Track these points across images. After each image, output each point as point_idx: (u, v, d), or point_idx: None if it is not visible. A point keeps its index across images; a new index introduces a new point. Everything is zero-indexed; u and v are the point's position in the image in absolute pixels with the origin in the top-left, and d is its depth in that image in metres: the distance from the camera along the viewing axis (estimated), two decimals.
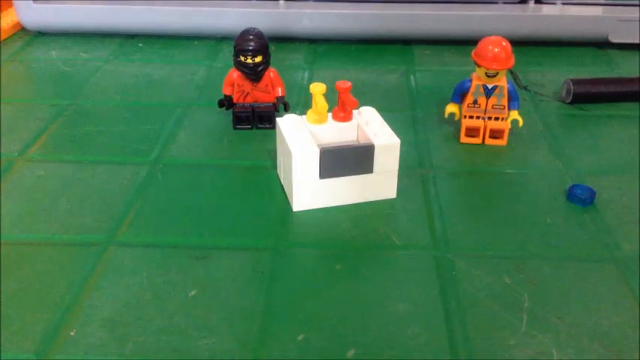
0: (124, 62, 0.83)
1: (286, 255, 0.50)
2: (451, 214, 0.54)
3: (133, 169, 0.60)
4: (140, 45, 0.89)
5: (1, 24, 0.91)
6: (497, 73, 0.61)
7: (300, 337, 0.43)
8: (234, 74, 0.65)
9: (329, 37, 0.90)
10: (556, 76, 0.80)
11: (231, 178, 0.59)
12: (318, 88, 0.55)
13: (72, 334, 0.43)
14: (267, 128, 0.67)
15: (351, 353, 0.41)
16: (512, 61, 0.61)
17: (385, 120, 0.57)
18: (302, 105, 0.72)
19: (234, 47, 0.64)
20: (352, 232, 0.52)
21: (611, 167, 0.61)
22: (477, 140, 0.65)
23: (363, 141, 0.56)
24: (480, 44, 0.62)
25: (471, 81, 0.63)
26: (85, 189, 0.57)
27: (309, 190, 0.54)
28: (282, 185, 0.58)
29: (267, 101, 0.66)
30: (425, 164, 0.62)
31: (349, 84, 0.55)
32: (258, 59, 0.63)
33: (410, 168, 0.61)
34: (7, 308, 0.45)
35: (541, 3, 0.89)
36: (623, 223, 0.54)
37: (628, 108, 0.73)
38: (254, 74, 0.64)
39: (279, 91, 0.66)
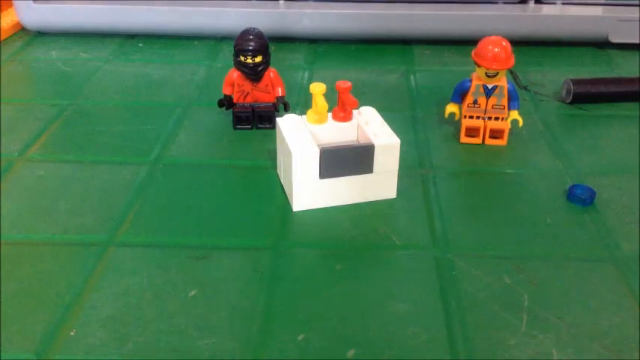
0: (124, 62, 0.83)
1: (286, 255, 0.50)
2: (451, 214, 0.54)
3: (133, 169, 0.60)
4: (140, 45, 0.89)
5: (1, 24, 0.91)
6: (497, 73, 0.61)
7: (300, 337, 0.43)
8: (234, 74, 0.65)
9: (329, 37, 0.90)
10: (556, 76, 0.80)
11: (231, 178, 0.59)
12: (318, 88, 0.55)
13: (72, 334, 0.43)
14: (267, 128, 0.67)
15: (351, 353, 0.41)
16: (512, 61, 0.61)
17: (385, 120, 0.57)
18: (302, 105, 0.72)
19: (234, 47, 0.64)
20: (352, 232, 0.52)
21: (611, 167, 0.61)
22: (477, 140, 0.65)
23: (363, 141, 0.56)
24: (480, 44, 0.62)
25: (470, 81, 0.63)
26: (85, 189, 0.57)
27: (309, 190, 0.54)
28: (282, 185, 0.58)
29: (267, 101, 0.66)
30: (425, 164, 0.62)
31: (349, 84, 0.55)
32: (258, 59, 0.63)
33: (410, 168, 0.61)
34: (7, 308, 0.45)
35: (541, 3, 0.89)
36: (623, 223, 0.54)
37: (628, 108, 0.73)
38: (254, 74, 0.64)
39: (279, 91, 0.66)
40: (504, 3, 0.89)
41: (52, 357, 0.41)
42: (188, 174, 0.60)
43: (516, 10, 0.88)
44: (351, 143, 0.57)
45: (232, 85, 0.66)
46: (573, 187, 0.56)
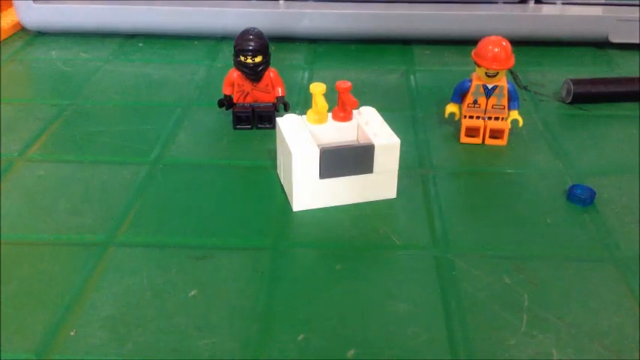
0: (124, 62, 0.83)
1: (286, 255, 0.50)
2: (451, 214, 0.54)
3: (133, 169, 0.60)
4: (140, 45, 0.89)
5: (1, 24, 0.91)
6: (497, 73, 0.61)
7: (300, 337, 0.43)
8: (234, 74, 0.65)
9: (329, 37, 0.90)
10: (556, 76, 0.80)
11: (231, 178, 0.59)
12: (318, 88, 0.55)
13: (72, 334, 0.43)
14: (267, 128, 0.67)
15: (351, 353, 0.41)
16: (512, 61, 0.61)
17: (385, 120, 0.57)
18: (302, 105, 0.72)
19: (234, 47, 0.64)
20: (352, 232, 0.52)
21: (611, 167, 0.61)
22: (477, 140, 0.65)
23: (363, 141, 0.56)
24: (480, 44, 0.62)
25: (470, 81, 0.63)
26: (85, 189, 0.57)
27: (309, 190, 0.54)
28: (282, 185, 0.58)
29: (267, 101, 0.66)
30: (425, 164, 0.62)
31: (349, 84, 0.55)
32: (258, 59, 0.63)
33: (410, 168, 0.61)
34: (7, 308, 0.45)
35: (541, 3, 0.89)
36: (623, 223, 0.54)
37: (628, 108, 0.73)
38: (254, 74, 0.64)
39: (279, 91, 0.66)
40: (504, 3, 0.89)
41: (52, 357, 0.41)
42: (188, 174, 0.60)
43: (516, 10, 0.88)
44: (351, 143, 0.57)
45: (232, 85, 0.66)
46: (573, 187, 0.56)
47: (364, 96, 0.73)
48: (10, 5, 0.95)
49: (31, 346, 0.42)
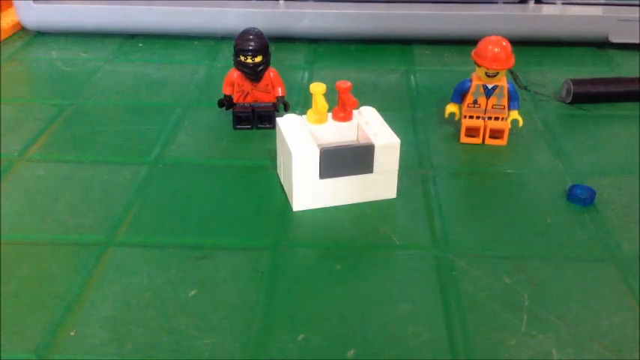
0: (124, 62, 0.83)
1: (286, 255, 0.50)
2: (451, 214, 0.54)
3: (133, 169, 0.60)
4: (140, 45, 0.89)
5: (1, 24, 0.91)
6: (498, 73, 0.61)
7: (300, 337, 0.43)
8: (234, 74, 0.65)
9: (329, 37, 0.90)
10: (556, 76, 0.80)
11: (231, 178, 0.59)
12: (318, 88, 0.55)
13: (72, 334, 0.43)
14: (267, 128, 0.67)
15: (351, 353, 0.41)
16: (512, 61, 0.61)
17: (385, 120, 0.57)
18: (302, 105, 0.72)
19: (234, 47, 0.64)
20: (352, 232, 0.52)
21: (611, 167, 0.61)
22: (477, 140, 0.65)
23: (363, 141, 0.56)
24: (480, 44, 0.62)
25: (470, 81, 0.63)
26: (85, 189, 0.57)
27: (309, 190, 0.54)
28: (282, 185, 0.58)
29: (267, 101, 0.66)
30: (425, 164, 0.62)
31: (349, 84, 0.55)
32: (258, 59, 0.63)
33: (410, 168, 0.61)
34: (7, 308, 0.45)
35: (541, 3, 0.89)
36: (623, 223, 0.54)
37: (628, 108, 0.73)
38: (254, 74, 0.64)
39: (279, 91, 0.66)
40: (504, 3, 0.89)
41: (52, 357, 0.41)
42: (188, 174, 0.60)
43: (516, 10, 0.88)
44: (351, 143, 0.57)
45: (232, 85, 0.66)
46: (573, 187, 0.56)
47: (364, 96, 0.73)
48: (10, 5, 0.95)
49: (31, 346, 0.42)
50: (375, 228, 0.53)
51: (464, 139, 0.65)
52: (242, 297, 0.46)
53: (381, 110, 0.59)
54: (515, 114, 0.64)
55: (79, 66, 0.82)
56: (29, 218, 0.54)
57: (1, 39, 0.90)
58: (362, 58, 0.85)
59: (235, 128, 0.67)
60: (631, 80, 0.74)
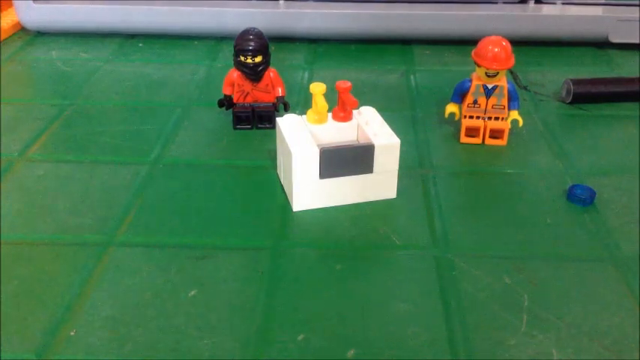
0: (124, 62, 0.83)
1: (286, 255, 0.50)
2: (451, 214, 0.54)
3: (133, 169, 0.60)
4: (140, 45, 0.89)
5: (1, 24, 0.91)
6: (498, 73, 0.61)
7: (300, 337, 0.43)
8: (234, 74, 0.65)
9: (329, 37, 0.90)
10: (556, 76, 0.80)
11: (231, 178, 0.59)
12: (318, 88, 0.55)
13: (72, 334, 0.43)
14: (267, 128, 0.67)
15: (351, 353, 0.41)
16: (512, 61, 0.61)
17: (385, 120, 0.57)
18: (302, 105, 0.72)
19: (234, 47, 0.64)
20: (352, 232, 0.52)
21: (611, 167, 0.61)
22: (477, 140, 0.65)
23: (363, 141, 0.56)
24: (480, 44, 0.62)
25: (470, 81, 0.63)
26: (85, 189, 0.57)
27: (309, 190, 0.54)
28: (282, 185, 0.58)
29: (267, 101, 0.66)
30: (425, 164, 0.62)
31: (349, 84, 0.55)
32: (258, 59, 0.63)
33: (410, 168, 0.61)
34: (7, 308, 0.45)
35: (541, 3, 0.89)
36: (623, 223, 0.54)
37: (628, 108, 0.73)
38: (254, 74, 0.64)
39: (279, 91, 0.66)
40: (504, 3, 0.89)
41: (52, 357, 0.41)
42: (188, 174, 0.60)
43: (516, 10, 0.88)
44: (351, 143, 0.57)
45: (232, 85, 0.66)
46: (573, 187, 0.56)
47: (364, 96, 0.73)
48: (10, 5, 0.95)
49: (31, 346, 0.42)
50: (375, 228, 0.53)
51: (464, 139, 0.65)
52: (242, 297, 0.46)
53: (381, 110, 0.59)
54: (515, 114, 0.64)
55: (79, 66, 0.82)
56: (29, 218, 0.54)
57: (1, 39, 0.90)
58: (362, 58, 0.85)
59: (235, 128, 0.67)
60: (631, 80, 0.74)
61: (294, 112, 0.62)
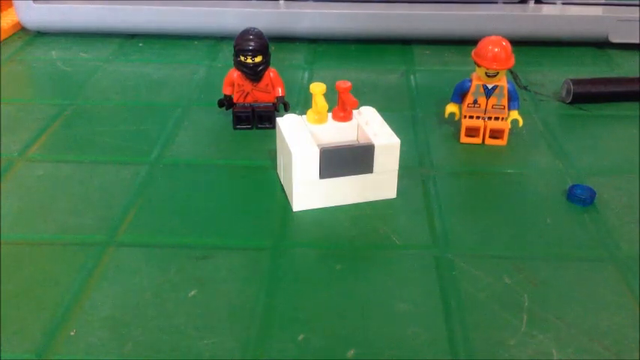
0: (124, 62, 0.83)
1: (286, 255, 0.50)
2: (451, 214, 0.54)
3: (133, 169, 0.60)
4: (140, 45, 0.89)
5: (1, 24, 0.91)
6: (498, 73, 0.61)
7: (300, 337, 0.43)
8: (234, 74, 0.65)
9: (329, 37, 0.90)
10: (556, 76, 0.80)
11: (231, 178, 0.59)
12: (318, 88, 0.55)
13: (72, 334, 0.43)
14: (267, 128, 0.67)
15: (351, 353, 0.41)
16: (512, 61, 0.61)
17: (385, 120, 0.57)
18: (302, 105, 0.72)
19: (234, 47, 0.64)
20: (352, 232, 0.52)
21: (611, 167, 0.61)
22: (477, 140, 0.65)
23: (363, 141, 0.56)
24: (480, 44, 0.62)
25: (471, 81, 0.63)
26: (85, 189, 0.57)
27: (309, 190, 0.54)
28: (282, 185, 0.58)
29: (267, 101, 0.66)
30: (425, 164, 0.62)
31: (349, 84, 0.55)
32: (258, 59, 0.63)
33: (410, 168, 0.61)
34: (7, 308, 0.45)
35: (541, 3, 0.89)
36: (623, 223, 0.54)
37: (628, 108, 0.73)
38: (254, 74, 0.64)
39: (279, 91, 0.66)
40: (504, 3, 0.89)
41: (52, 357, 0.41)
42: (188, 174, 0.60)
43: (516, 10, 0.88)
44: (351, 143, 0.57)
45: (232, 85, 0.66)
46: (573, 187, 0.56)
47: (364, 96, 0.73)
48: (10, 5, 0.95)
49: (31, 346, 0.42)
50: (375, 228, 0.53)
51: (464, 139, 0.65)
52: (242, 297, 0.46)
53: (381, 110, 0.59)
54: (515, 114, 0.64)
55: (79, 66, 0.82)
56: (29, 218, 0.54)
57: (1, 39, 0.90)
58: (362, 58, 0.86)
59: (235, 128, 0.67)
60: (631, 80, 0.74)
61: (294, 112, 0.62)
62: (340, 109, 0.57)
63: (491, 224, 0.53)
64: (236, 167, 0.61)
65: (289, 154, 0.53)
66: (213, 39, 0.90)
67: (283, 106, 0.66)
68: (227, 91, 0.66)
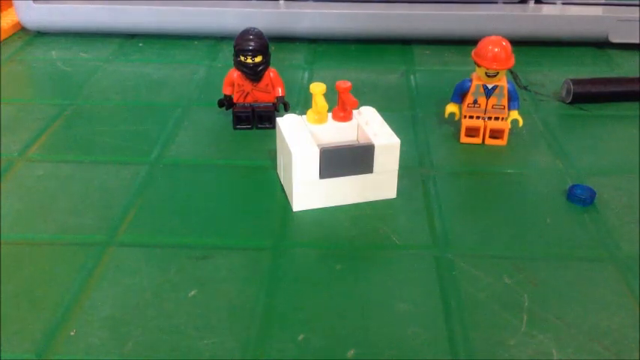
0: (124, 62, 0.83)
1: (286, 255, 0.50)
2: (451, 214, 0.54)
3: (133, 169, 0.60)
4: (140, 45, 0.89)
5: (1, 24, 0.91)
6: (498, 73, 0.61)
7: (300, 337, 0.43)
8: (234, 74, 0.65)
9: (329, 37, 0.90)
10: (556, 76, 0.80)
11: (231, 178, 0.59)
12: (318, 88, 0.55)
13: (72, 334, 0.43)
14: (267, 128, 0.67)
15: (351, 353, 0.41)
16: (512, 61, 0.61)
17: (385, 120, 0.57)
18: (302, 105, 0.72)
19: (234, 47, 0.64)
20: (352, 232, 0.52)
21: (611, 167, 0.61)
22: (477, 140, 0.65)
23: (363, 141, 0.56)
24: (480, 44, 0.62)
25: (471, 81, 0.63)
26: (85, 189, 0.57)
27: (309, 190, 0.54)
28: (282, 185, 0.58)
29: (267, 101, 0.66)
30: (425, 164, 0.62)
31: (349, 84, 0.55)
32: (258, 59, 0.63)
33: (410, 168, 0.61)
34: (7, 308, 0.45)
35: (541, 3, 0.89)
36: (623, 223, 0.54)
37: (628, 108, 0.73)
38: (254, 74, 0.64)
39: (279, 91, 0.66)
40: (504, 3, 0.89)
41: (52, 357, 0.41)
42: (188, 174, 0.60)
43: (516, 10, 0.88)
44: (351, 143, 0.57)
45: (232, 85, 0.66)
46: (573, 187, 0.56)
47: (364, 96, 0.73)
48: (10, 5, 0.95)
49: (31, 346, 0.42)
50: (375, 228, 0.53)
51: (464, 139, 0.65)
52: (242, 297, 0.46)
53: (381, 110, 0.59)
54: (515, 114, 0.64)
55: (79, 66, 0.82)
56: (29, 218, 0.54)
57: (1, 39, 0.90)
58: (362, 58, 0.86)
59: (235, 128, 0.67)
60: (631, 80, 0.74)
61: (294, 112, 0.62)
62: (340, 109, 0.57)
63: (491, 224, 0.53)
64: (236, 167, 0.61)
65: (289, 154, 0.53)
66: (213, 39, 0.90)
67: (283, 106, 0.67)
68: (227, 91, 0.66)
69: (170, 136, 0.66)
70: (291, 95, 0.73)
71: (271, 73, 0.65)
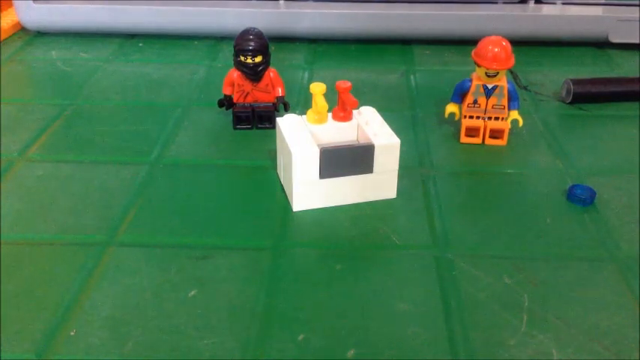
0: (124, 62, 0.83)
1: (286, 255, 0.50)
2: (451, 214, 0.54)
3: (133, 169, 0.60)
4: (140, 45, 0.89)
5: (1, 24, 0.91)
6: (498, 73, 0.61)
7: (300, 337, 0.43)
8: (234, 74, 0.65)
9: (329, 37, 0.90)
10: (556, 76, 0.80)
11: (231, 178, 0.59)
12: (318, 88, 0.55)
13: (72, 334, 0.43)
14: (267, 128, 0.67)
15: (351, 353, 0.41)
16: (512, 61, 0.61)
17: (385, 120, 0.57)
18: (302, 105, 0.72)
19: (234, 47, 0.64)
20: (352, 232, 0.52)
21: (611, 167, 0.61)
22: (477, 140, 0.65)
23: (363, 141, 0.56)
24: (480, 44, 0.62)
25: (471, 81, 0.63)
26: (85, 189, 0.57)
27: (309, 190, 0.54)
28: (282, 185, 0.58)
29: (267, 101, 0.66)
30: (425, 164, 0.62)
31: (349, 84, 0.55)
32: (258, 59, 0.63)
33: (410, 168, 0.61)
34: (7, 308, 0.45)
35: (541, 3, 0.89)
36: (623, 223, 0.54)
37: (628, 108, 0.73)
38: (254, 74, 0.64)
39: (279, 91, 0.66)
40: (504, 3, 0.89)
41: (52, 357, 0.41)
42: (188, 174, 0.60)
43: (516, 10, 0.88)
44: (351, 143, 0.57)
45: (232, 85, 0.66)
46: (573, 187, 0.56)
47: (364, 96, 0.73)
48: (10, 5, 0.95)
49: (31, 346, 0.42)
50: (375, 228, 0.53)
51: (464, 139, 0.65)
52: (242, 297, 0.46)
53: (381, 110, 0.59)
54: (515, 114, 0.64)
55: (79, 66, 0.82)
56: (29, 218, 0.54)
57: (1, 39, 0.90)
58: (362, 58, 0.86)
59: (235, 128, 0.67)
60: (631, 80, 0.74)
61: (294, 112, 0.62)
62: (340, 109, 0.57)
63: (491, 224, 0.53)
64: (236, 167, 0.61)
65: (289, 154, 0.53)
66: (213, 39, 0.90)
67: (283, 106, 0.67)
68: (227, 91, 0.66)
69: (170, 136, 0.66)
70: (291, 95, 0.73)
71: (271, 73, 0.65)
